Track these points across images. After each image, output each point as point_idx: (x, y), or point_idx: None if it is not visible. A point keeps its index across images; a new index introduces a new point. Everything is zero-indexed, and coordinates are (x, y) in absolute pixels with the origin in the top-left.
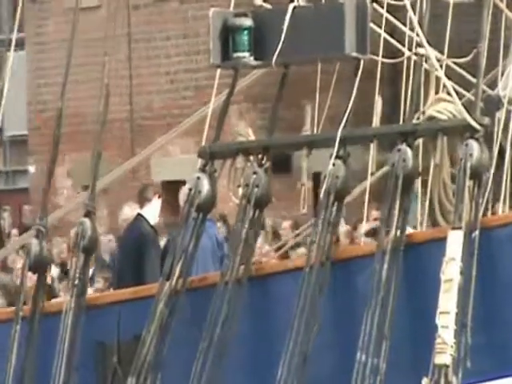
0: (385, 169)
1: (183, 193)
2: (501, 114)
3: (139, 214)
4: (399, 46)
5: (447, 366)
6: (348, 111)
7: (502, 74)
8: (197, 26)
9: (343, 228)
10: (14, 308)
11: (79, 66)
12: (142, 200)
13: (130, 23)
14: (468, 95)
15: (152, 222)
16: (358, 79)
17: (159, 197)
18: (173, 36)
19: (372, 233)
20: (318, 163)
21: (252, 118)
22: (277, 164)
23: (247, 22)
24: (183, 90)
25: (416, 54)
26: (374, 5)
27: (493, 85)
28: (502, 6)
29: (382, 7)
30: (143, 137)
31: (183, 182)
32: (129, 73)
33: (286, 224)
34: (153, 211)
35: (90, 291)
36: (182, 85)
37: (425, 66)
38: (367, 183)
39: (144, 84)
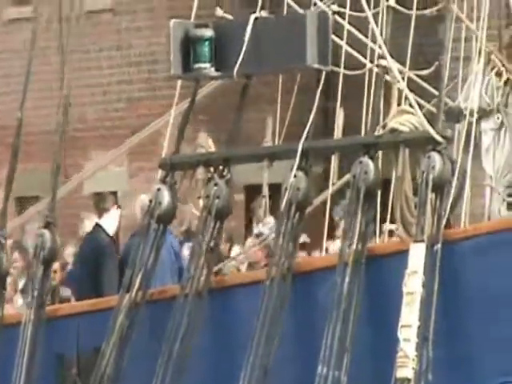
0: (345, 178)
1: (139, 203)
2: (462, 126)
3: (97, 225)
4: (361, 57)
5: (409, 380)
6: (310, 123)
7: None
8: (129, 38)
9: None
10: None
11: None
12: (101, 210)
13: (61, 35)
14: (428, 106)
15: (110, 233)
16: (319, 91)
17: (118, 207)
18: (105, 48)
19: None
20: (248, 176)
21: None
22: None
23: (208, 32)
24: (116, 101)
25: (378, 65)
26: (336, 16)
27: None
28: (464, 18)
29: (344, 19)
30: (76, 148)
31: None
32: (61, 84)
33: None
34: (111, 221)
35: None
36: (114, 97)
37: (387, 77)
38: (328, 193)
39: (77, 96)
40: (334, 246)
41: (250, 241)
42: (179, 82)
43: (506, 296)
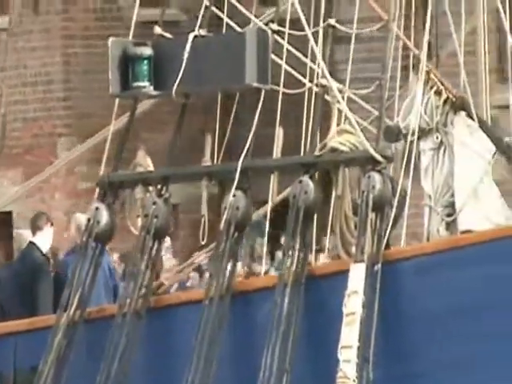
0: (281, 196)
1: (74, 222)
2: (400, 145)
3: (31, 242)
4: (300, 77)
5: None
6: (249, 141)
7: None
8: (25, 58)
9: None
10: None
11: None
12: (34, 228)
13: None
14: (365, 124)
15: (44, 250)
16: (258, 110)
17: (51, 225)
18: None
19: None
20: None
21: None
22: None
23: (147, 51)
24: (12, 121)
25: (317, 85)
26: (275, 35)
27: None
28: (403, 37)
29: (283, 38)
30: None
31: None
32: None
33: (115, 256)
34: (45, 239)
35: None
36: (11, 117)
37: (327, 97)
38: (268, 211)
39: None
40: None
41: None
42: (117, 101)
43: (446, 316)
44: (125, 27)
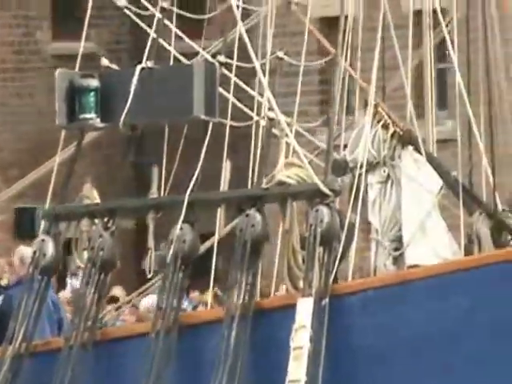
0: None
1: (18, 255)
2: (347, 179)
3: None
4: (247, 110)
5: None
6: (196, 175)
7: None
8: None
9: None
10: None
11: None
12: None
13: None
14: (312, 157)
15: None
16: (206, 143)
17: None
18: None
19: None
20: None
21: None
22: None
23: (94, 82)
24: None
25: (265, 118)
26: (223, 69)
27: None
28: (351, 70)
29: (231, 71)
30: None
31: None
32: None
33: None
34: None
35: None
36: None
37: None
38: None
39: None
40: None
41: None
42: (63, 132)
43: (391, 352)
44: (41, 60)
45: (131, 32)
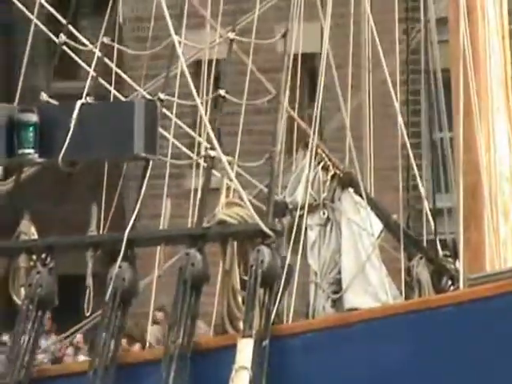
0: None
1: None
2: (286, 220)
3: None
4: (185, 150)
5: None
6: (136, 211)
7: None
8: None
9: None
10: None
11: None
12: None
13: None
14: (251, 198)
15: None
16: (146, 180)
17: None
18: None
19: None
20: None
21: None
22: None
23: (33, 117)
24: None
25: (205, 158)
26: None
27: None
28: (292, 112)
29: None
30: None
31: None
32: None
33: None
34: None
35: None
36: None
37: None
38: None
39: None
40: None
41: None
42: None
43: None
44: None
45: None
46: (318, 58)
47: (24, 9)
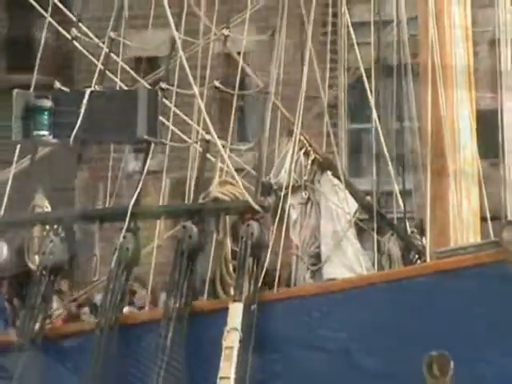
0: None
1: None
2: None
3: None
4: (182, 135)
5: None
6: (138, 189)
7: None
8: None
9: None
10: None
11: None
12: None
13: None
14: (243, 181)
15: None
16: (148, 161)
17: None
18: None
19: None
20: None
21: None
22: None
23: (48, 103)
24: None
25: (200, 141)
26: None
27: None
28: (279, 105)
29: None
30: None
31: None
32: None
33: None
34: None
35: None
36: None
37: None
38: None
39: None
40: None
41: None
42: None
43: (308, 352)
44: None
45: None
46: None
47: (38, 7)
